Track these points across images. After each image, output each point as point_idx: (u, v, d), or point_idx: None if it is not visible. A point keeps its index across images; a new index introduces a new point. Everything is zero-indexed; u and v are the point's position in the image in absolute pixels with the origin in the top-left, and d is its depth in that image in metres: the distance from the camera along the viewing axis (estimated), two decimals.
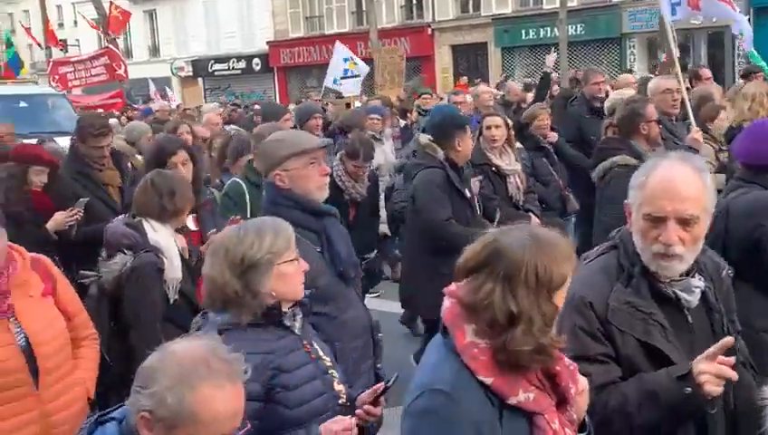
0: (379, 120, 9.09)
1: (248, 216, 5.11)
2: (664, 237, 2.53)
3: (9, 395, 3.38)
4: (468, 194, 5.83)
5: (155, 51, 43.48)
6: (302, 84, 37.51)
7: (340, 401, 2.95)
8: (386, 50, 14.57)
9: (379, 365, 3.86)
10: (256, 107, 16.77)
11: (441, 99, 13.35)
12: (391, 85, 13.66)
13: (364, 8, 33.25)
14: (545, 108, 8.12)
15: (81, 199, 5.56)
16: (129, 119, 16.83)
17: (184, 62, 40.22)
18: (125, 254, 4.10)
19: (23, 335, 3.43)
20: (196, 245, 4.69)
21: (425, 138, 5.90)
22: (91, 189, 5.81)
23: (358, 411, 2.87)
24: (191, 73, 40.18)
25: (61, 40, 33.32)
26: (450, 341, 2.16)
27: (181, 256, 4.27)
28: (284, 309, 2.89)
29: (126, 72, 19.56)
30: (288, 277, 2.87)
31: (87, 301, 4.22)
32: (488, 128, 6.55)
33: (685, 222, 2.54)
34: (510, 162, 6.58)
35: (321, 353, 3.00)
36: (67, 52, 32.67)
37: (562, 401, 2.21)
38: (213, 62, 40.45)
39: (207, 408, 1.94)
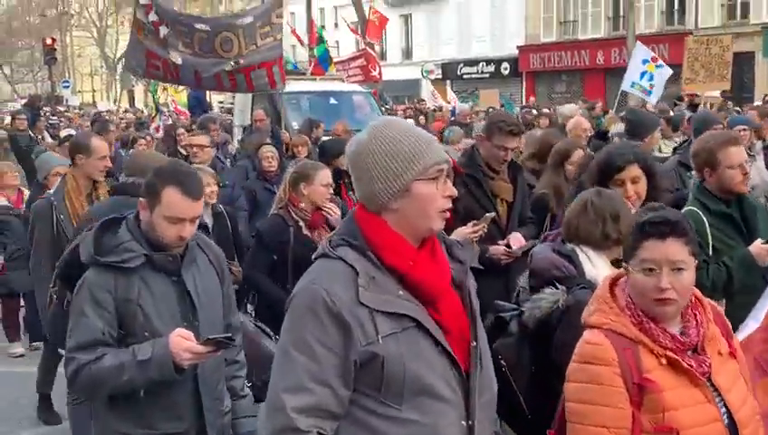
0: (746, 131, 7.98)
1: (710, 253, 4.12)
2: None
3: None
4: None
5: (408, 54, 44.71)
6: (550, 89, 36.94)
7: None
8: (694, 39, 12.65)
9: None
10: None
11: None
12: (705, 79, 11.90)
13: (621, 13, 32.16)
14: None
15: (487, 214, 4.94)
16: None
17: (434, 65, 40.94)
18: (556, 288, 3.45)
19: (725, 409, 2.55)
20: None
21: None
22: (476, 198, 5.08)
23: None
24: (440, 76, 40.85)
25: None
26: None
27: None
28: None
29: (380, 73, 20.11)
30: None
31: (504, 339, 3.52)
32: None
33: None
34: None
35: None
36: None
37: None
38: (462, 65, 40.86)
39: None
